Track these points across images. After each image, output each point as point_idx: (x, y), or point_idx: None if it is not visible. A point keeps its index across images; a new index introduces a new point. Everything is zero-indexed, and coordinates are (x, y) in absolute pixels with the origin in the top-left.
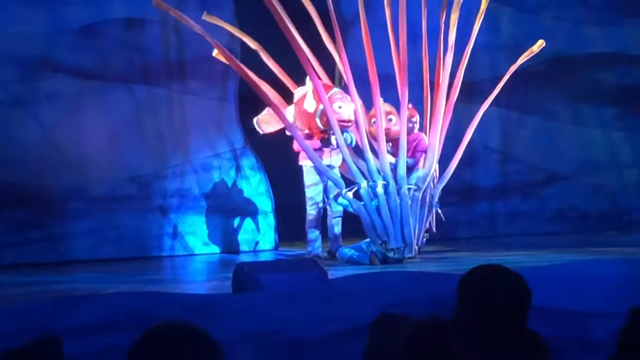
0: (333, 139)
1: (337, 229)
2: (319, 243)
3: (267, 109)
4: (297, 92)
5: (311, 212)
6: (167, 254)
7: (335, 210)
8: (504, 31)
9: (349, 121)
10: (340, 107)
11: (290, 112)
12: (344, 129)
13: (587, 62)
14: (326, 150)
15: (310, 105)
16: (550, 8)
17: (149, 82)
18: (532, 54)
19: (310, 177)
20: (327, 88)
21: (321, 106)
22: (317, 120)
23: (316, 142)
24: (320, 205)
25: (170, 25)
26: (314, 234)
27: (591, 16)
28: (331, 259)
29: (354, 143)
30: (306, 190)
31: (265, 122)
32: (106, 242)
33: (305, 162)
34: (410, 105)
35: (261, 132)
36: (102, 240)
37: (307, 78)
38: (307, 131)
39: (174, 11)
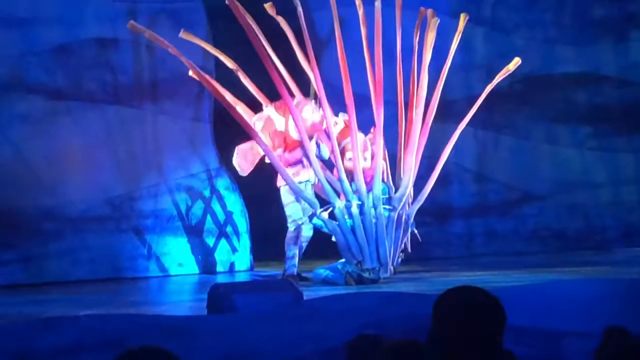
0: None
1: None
2: (296, 261)
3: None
4: (259, 120)
5: (290, 229)
6: (142, 275)
7: (305, 235)
8: (477, 51)
9: (322, 123)
10: (310, 112)
11: (261, 120)
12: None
13: (560, 82)
14: (306, 163)
15: (279, 123)
16: (523, 28)
17: (122, 103)
18: (508, 72)
19: (287, 196)
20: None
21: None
22: (291, 132)
23: (298, 152)
24: (300, 222)
25: (143, 44)
26: (291, 252)
27: (564, 36)
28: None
29: (323, 153)
30: (285, 208)
31: (242, 158)
32: (80, 263)
33: (281, 183)
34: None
35: (244, 173)
36: (76, 262)
37: (264, 105)
38: (279, 152)
39: (149, 33)
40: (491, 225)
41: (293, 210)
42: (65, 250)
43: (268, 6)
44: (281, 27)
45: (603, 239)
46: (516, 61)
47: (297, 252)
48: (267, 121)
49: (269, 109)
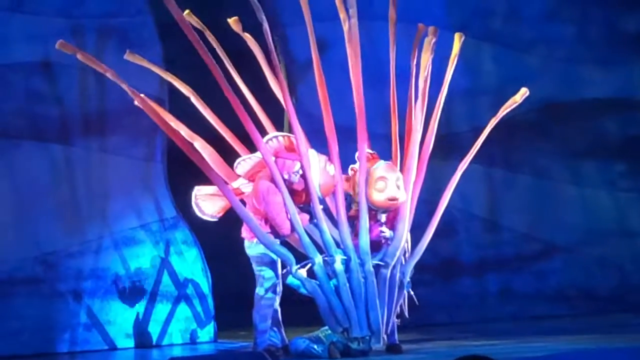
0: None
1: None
2: (268, 335)
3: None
4: (244, 162)
5: (260, 293)
6: (80, 348)
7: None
8: (485, 73)
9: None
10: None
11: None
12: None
13: (586, 109)
14: None
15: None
16: (540, 45)
17: (57, 140)
18: (515, 104)
19: (260, 257)
20: None
21: None
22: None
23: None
24: (278, 289)
25: (79, 68)
26: (263, 324)
27: (590, 55)
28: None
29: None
30: (255, 266)
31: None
32: (5, 335)
33: (247, 235)
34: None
35: (207, 216)
36: (2, 333)
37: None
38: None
39: (81, 53)
40: (506, 283)
41: (267, 274)
42: None
43: (232, 21)
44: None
45: None
46: (523, 92)
47: (269, 323)
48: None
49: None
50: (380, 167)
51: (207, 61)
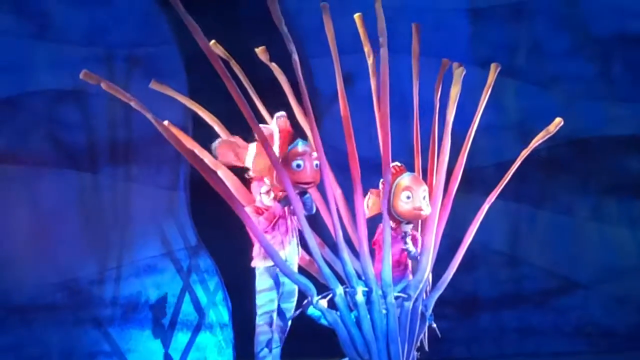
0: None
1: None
2: None
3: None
4: (266, 129)
5: (260, 323)
6: None
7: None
8: (508, 108)
9: (309, 183)
10: (299, 167)
11: (251, 152)
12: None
13: (610, 146)
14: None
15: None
16: (564, 81)
17: (81, 167)
18: (548, 134)
19: (263, 280)
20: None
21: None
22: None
23: (274, 212)
24: (274, 316)
25: (104, 96)
26: (263, 352)
27: (613, 91)
28: None
29: (313, 209)
30: (257, 296)
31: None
32: None
33: (258, 264)
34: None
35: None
36: (24, 359)
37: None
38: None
39: (106, 83)
40: (526, 319)
41: (267, 299)
42: (10, 344)
43: (260, 51)
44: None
45: None
46: (558, 122)
47: (269, 352)
48: (269, 138)
49: (274, 124)
50: (406, 178)
51: (231, 90)
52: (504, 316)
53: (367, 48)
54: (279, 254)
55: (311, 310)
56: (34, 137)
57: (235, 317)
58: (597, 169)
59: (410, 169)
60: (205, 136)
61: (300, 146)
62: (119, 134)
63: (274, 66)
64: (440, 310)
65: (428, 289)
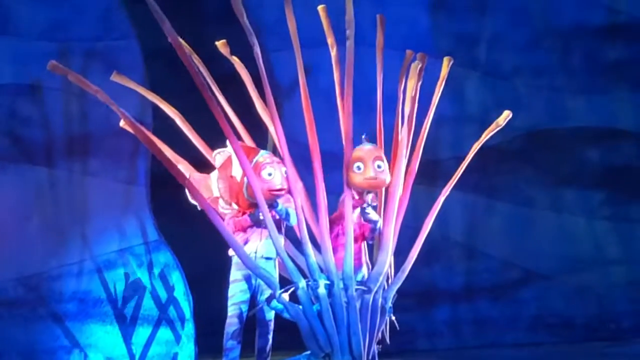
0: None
1: (263, 342)
2: (236, 353)
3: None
4: (220, 155)
5: (230, 314)
6: None
7: (267, 318)
8: (470, 101)
9: (282, 190)
10: (270, 175)
11: (213, 179)
12: (274, 201)
13: (569, 138)
14: (256, 231)
15: (237, 171)
16: (526, 74)
17: (39, 162)
18: (498, 127)
19: (235, 271)
20: (252, 151)
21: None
22: (245, 192)
23: (246, 220)
24: (244, 308)
25: (62, 91)
26: (230, 343)
27: (574, 84)
28: None
29: (292, 220)
30: (230, 286)
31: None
32: None
33: (232, 252)
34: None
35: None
36: None
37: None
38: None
39: (73, 75)
40: (485, 311)
41: (236, 290)
42: None
43: (221, 44)
44: (236, 69)
45: (619, 327)
46: (506, 115)
47: (237, 342)
48: (227, 161)
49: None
50: (358, 149)
51: (198, 83)
52: (463, 308)
53: (330, 40)
54: (242, 247)
55: (274, 304)
56: None
57: (197, 312)
58: (555, 161)
59: None
60: (164, 130)
61: (266, 156)
62: (77, 129)
63: (234, 59)
64: (400, 302)
65: (389, 281)
